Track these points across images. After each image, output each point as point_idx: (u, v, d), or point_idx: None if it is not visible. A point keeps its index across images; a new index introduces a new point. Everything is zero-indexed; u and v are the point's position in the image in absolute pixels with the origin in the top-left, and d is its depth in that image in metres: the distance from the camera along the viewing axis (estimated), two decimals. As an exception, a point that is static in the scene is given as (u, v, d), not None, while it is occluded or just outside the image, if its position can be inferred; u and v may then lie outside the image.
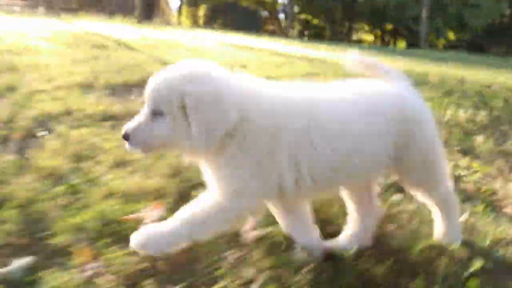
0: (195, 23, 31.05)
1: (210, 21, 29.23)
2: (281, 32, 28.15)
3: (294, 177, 1.37)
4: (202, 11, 31.05)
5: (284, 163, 1.36)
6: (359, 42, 30.54)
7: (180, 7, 33.71)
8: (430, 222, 1.80)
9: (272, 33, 26.38)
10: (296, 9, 29.92)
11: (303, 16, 31.71)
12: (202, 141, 1.28)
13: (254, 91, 1.43)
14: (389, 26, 30.11)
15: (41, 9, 15.94)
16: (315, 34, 29.48)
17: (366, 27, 32.54)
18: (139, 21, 15.58)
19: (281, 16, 34.04)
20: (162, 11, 32.20)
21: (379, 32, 32.21)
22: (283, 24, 31.90)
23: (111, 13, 17.37)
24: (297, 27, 30.54)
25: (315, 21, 31.33)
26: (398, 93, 1.56)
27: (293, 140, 1.37)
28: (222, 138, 1.30)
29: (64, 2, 20.67)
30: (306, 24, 31.73)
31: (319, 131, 1.40)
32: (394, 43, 31.13)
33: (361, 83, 1.59)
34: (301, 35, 29.05)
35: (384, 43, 31.38)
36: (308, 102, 1.45)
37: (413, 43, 23.65)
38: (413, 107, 1.55)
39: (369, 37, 33.24)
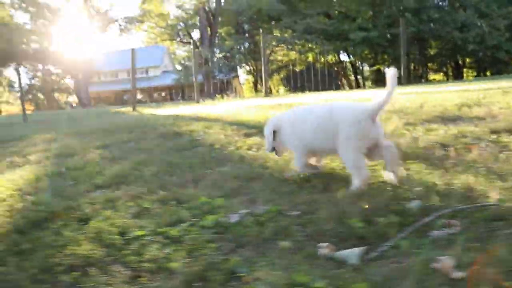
0: (270, 92, 33.51)
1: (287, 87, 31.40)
2: (353, 85, 30.40)
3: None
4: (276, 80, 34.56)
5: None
6: (433, 81, 31.61)
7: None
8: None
9: (349, 87, 28.54)
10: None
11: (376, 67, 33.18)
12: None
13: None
14: (457, 60, 31.92)
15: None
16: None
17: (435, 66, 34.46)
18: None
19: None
20: (235, 89, 36.55)
21: (448, 68, 33.97)
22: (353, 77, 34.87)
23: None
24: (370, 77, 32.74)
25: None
26: (331, 107, 2.46)
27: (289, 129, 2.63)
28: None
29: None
30: (378, 73, 32.81)
31: (297, 126, 2.56)
32: (462, 76, 32.40)
33: (322, 104, 2.96)
34: (377, 84, 30.11)
35: (455, 78, 32.30)
36: (293, 114, 2.69)
37: (499, 71, 24.27)
38: (337, 115, 2.34)
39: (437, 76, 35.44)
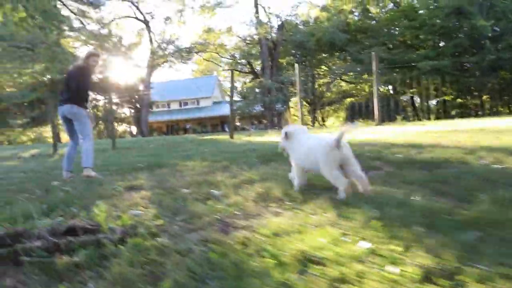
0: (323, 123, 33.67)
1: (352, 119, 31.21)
2: (416, 117, 29.74)
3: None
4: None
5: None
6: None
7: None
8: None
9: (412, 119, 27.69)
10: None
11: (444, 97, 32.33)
12: None
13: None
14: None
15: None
16: (462, 113, 29.67)
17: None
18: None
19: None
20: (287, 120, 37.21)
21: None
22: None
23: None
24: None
25: (460, 100, 31.56)
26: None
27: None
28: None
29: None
30: (444, 103, 31.82)
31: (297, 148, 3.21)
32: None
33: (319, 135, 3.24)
34: (445, 116, 29.07)
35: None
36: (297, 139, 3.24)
37: None
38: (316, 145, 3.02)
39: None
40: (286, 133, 3.25)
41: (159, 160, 6.66)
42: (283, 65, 34.66)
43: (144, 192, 3.73)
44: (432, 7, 28.67)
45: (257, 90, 31.75)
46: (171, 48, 36.77)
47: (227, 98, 58.18)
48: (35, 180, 5.54)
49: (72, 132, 5.85)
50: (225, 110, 47.40)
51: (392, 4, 34.67)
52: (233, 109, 11.15)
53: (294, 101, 41.09)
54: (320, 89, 36.17)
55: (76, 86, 5.60)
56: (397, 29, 33.86)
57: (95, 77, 6.94)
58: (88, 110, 6.05)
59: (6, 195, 4.16)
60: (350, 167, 2.81)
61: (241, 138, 11.20)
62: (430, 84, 31.25)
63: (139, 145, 12.98)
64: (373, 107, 11.13)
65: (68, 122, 5.77)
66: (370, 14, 34.26)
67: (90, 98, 6.32)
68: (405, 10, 33.94)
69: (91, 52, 5.94)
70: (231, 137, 11.12)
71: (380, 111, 12.31)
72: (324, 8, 33.93)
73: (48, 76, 32.94)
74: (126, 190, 3.91)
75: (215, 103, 51.54)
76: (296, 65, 11.32)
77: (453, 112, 31.13)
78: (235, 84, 52.48)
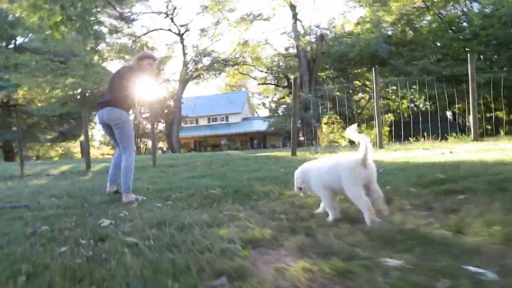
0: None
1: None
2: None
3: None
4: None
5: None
6: None
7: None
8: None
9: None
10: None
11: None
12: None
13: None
14: None
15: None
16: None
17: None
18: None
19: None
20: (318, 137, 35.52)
21: None
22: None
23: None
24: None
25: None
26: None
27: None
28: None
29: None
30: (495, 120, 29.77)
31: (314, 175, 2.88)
32: None
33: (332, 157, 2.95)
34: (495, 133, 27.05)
35: None
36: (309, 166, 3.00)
37: None
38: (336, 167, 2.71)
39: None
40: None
41: (234, 183, 4.94)
42: (322, 79, 32.86)
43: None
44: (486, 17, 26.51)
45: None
46: (206, 60, 35.68)
47: (257, 114, 56.90)
48: (72, 211, 3.91)
49: (116, 140, 4.92)
50: (255, 126, 45.94)
51: (434, 15, 32.69)
52: (295, 122, 9.42)
53: (327, 117, 39.20)
54: (363, 104, 34.17)
55: (120, 87, 4.63)
56: (443, 41, 31.74)
57: (148, 83, 5.74)
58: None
59: (30, 246, 2.48)
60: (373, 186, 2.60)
61: (305, 154, 9.42)
62: (483, 99, 28.83)
63: (181, 162, 11.36)
64: (412, 123, 9.67)
65: (109, 129, 4.86)
66: (413, 26, 32.34)
67: (136, 106, 4.91)
68: (450, 21, 31.92)
69: (147, 54, 4.92)
70: (294, 154, 9.37)
71: (432, 128, 10.65)
72: (361, 22, 32.21)
73: (79, 90, 32.30)
74: (245, 245, 2.16)
75: (244, 119, 50.25)
76: (375, 69, 9.52)
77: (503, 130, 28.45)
78: (267, 99, 51.33)
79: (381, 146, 9.11)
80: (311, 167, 2.94)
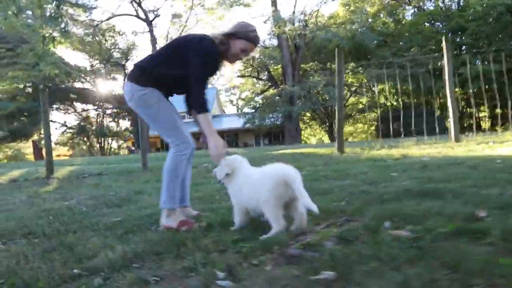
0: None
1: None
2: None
3: None
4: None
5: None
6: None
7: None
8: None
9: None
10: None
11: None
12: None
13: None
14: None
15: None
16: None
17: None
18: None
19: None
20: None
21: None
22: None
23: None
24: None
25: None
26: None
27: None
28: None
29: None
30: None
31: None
32: None
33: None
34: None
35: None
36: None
37: None
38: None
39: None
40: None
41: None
42: (307, 71, 30.61)
43: None
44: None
45: (277, 98, 27.59)
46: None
47: (227, 112, 54.22)
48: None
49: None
50: (226, 124, 43.33)
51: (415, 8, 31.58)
52: (341, 109, 7.04)
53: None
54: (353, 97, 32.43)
55: (160, 58, 2.75)
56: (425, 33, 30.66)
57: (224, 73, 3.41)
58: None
59: None
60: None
61: (356, 151, 7.09)
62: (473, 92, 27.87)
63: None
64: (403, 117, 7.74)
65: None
66: (396, 18, 31.08)
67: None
68: (431, 13, 30.90)
69: (248, 33, 2.69)
70: (341, 150, 6.99)
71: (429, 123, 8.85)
72: (345, 10, 30.38)
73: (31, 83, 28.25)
74: None
75: (214, 116, 47.66)
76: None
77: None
78: (235, 96, 48.78)
79: (457, 140, 6.93)
80: None
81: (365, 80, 28.81)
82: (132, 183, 5.79)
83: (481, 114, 30.94)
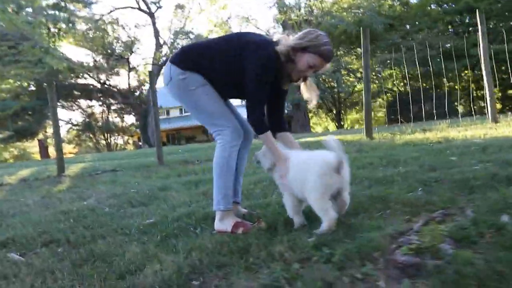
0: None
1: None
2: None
3: None
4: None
5: None
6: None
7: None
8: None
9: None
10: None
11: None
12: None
13: None
14: None
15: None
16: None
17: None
18: None
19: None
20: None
21: None
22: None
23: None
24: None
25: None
26: None
27: None
28: None
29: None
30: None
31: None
32: None
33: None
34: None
35: None
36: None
37: None
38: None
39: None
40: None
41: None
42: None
43: None
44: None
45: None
46: (182, 41, 31.79)
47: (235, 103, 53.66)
48: None
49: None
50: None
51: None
52: (368, 97, 6.54)
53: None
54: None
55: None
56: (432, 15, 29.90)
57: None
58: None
59: None
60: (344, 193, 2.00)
61: (386, 136, 6.64)
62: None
63: (196, 156, 8.25)
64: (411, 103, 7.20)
65: None
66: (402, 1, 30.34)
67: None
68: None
69: (318, 46, 2.15)
70: (370, 136, 6.54)
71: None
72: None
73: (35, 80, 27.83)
74: None
75: (186, 113, 47.25)
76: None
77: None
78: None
79: (495, 120, 6.45)
80: None
81: (376, 66, 28.14)
82: (150, 178, 5.38)
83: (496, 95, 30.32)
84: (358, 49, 28.93)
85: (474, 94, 31.45)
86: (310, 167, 1.92)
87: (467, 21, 28.17)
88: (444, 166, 3.13)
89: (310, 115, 40.65)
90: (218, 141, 2.26)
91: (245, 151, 2.49)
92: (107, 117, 34.71)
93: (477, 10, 7.02)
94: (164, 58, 31.37)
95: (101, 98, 33.54)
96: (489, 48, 6.77)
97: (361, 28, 7.15)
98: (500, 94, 29.94)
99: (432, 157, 3.66)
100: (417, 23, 29.78)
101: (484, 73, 6.56)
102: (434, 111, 8.30)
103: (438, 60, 23.96)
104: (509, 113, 7.28)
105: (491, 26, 28.39)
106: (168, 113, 47.12)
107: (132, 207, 3.36)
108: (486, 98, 6.61)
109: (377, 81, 29.04)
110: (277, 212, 2.30)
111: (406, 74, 26.23)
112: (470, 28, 29.23)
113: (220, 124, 2.25)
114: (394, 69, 28.87)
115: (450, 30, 29.95)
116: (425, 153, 3.95)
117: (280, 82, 2.30)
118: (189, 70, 2.23)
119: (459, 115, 7.96)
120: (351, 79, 33.42)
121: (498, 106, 28.27)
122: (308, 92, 2.34)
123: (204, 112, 2.28)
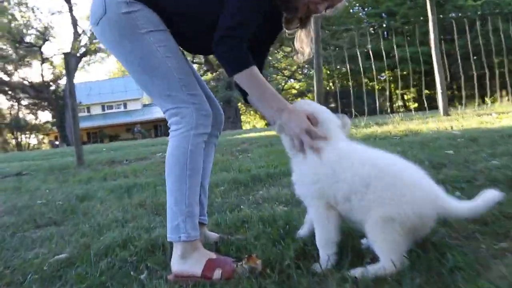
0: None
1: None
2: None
3: None
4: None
5: None
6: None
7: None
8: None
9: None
10: None
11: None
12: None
13: None
14: None
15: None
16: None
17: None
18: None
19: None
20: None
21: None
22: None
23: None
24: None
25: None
26: None
27: None
28: None
29: None
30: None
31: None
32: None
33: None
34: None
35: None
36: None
37: None
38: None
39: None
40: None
41: None
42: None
43: None
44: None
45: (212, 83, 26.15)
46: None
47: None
48: None
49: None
50: (158, 113, 41.02)
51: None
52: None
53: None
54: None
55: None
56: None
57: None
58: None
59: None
60: None
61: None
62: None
63: (124, 155, 7.10)
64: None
65: None
66: None
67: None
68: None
69: None
70: (446, 113, 5.99)
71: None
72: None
73: None
74: None
75: (145, 106, 45.08)
76: None
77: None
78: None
79: (446, 113, 6.24)
80: None
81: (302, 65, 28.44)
82: (67, 183, 4.27)
83: (408, 96, 32.34)
84: (286, 47, 29.11)
85: (392, 93, 33.33)
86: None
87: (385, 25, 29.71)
88: (451, 161, 2.57)
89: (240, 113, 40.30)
90: (174, 126, 1.39)
91: (212, 145, 1.66)
92: (17, 113, 31.06)
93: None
94: (83, 49, 28.78)
95: (9, 92, 29.90)
96: (440, 43, 6.57)
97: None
98: (416, 95, 32.08)
99: (420, 151, 3.11)
100: (342, 24, 30.79)
101: (435, 67, 6.34)
102: (365, 108, 8.21)
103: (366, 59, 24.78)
104: (459, 106, 7.22)
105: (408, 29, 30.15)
106: (88, 110, 43.80)
107: (36, 228, 2.35)
108: (437, 92, 6.40)
109: (304, 79, 29.50)
110: (268, 235, 1.50)
111: (334, 72, 26.96)
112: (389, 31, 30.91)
113: (180, 98, 1.37)
114: (324, 67, 29.52)
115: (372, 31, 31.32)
116: (409, 147, 3.39)
117: (279, 19, 1.50)
118: (138, 1, 1.35)
119: (412, 110, 7.80)
120: (278, 77, 33.63)
121: (414, 105, 30.28)
122: (303, 42, 1.55)
123: (156, 75, 1.38)
